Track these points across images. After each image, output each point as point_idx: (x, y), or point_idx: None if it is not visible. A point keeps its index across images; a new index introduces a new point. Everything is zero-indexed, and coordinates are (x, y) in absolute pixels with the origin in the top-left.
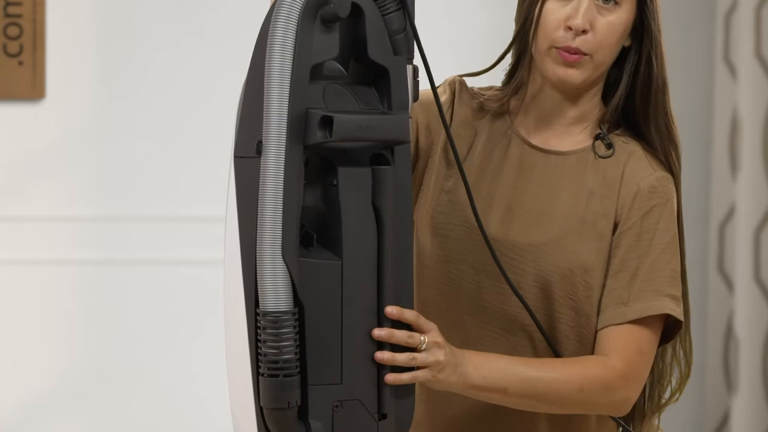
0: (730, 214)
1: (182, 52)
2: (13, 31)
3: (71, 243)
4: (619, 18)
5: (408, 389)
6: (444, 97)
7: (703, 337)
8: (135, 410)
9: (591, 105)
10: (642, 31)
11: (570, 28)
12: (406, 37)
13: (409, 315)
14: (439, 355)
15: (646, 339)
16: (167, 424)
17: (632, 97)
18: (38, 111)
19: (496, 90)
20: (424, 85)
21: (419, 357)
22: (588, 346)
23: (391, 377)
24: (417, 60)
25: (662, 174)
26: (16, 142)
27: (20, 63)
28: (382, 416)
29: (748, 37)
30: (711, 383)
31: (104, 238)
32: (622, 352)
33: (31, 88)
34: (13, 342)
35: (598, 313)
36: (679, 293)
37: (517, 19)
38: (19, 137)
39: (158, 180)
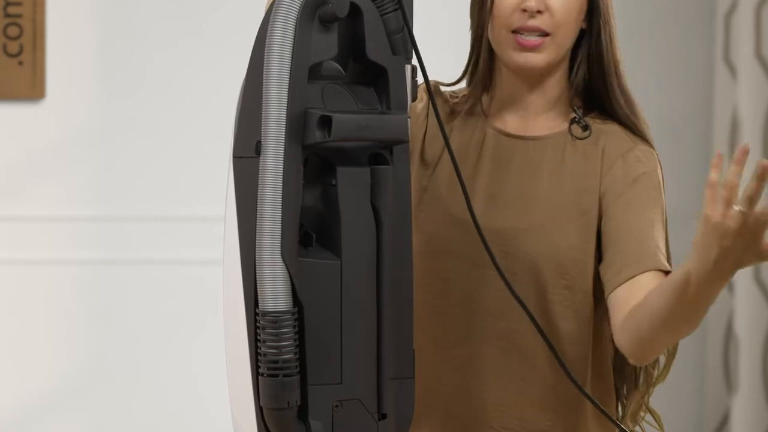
0: None
1: (182, 52)
2: (13, 31)
3: (71, 243)
4: None
5: (408, 389)
6: (421, 105)
7: (703, 337)
8: (135, 410)
9: (559, 89)
10: (593, 11)
11: (524, 11)
12: (404, 37)
13: None
14: None
15: None
16: (167, 424)
17: (591, 78)
18: (38, 111)
19: (465, 91)
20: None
21: None
22: (586, 323)
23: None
24: (415, 60)
25: (645, 147)
26: (16, 142)
27: (20, 63)
28: (382, 416)
29: (748, 37)
30: (711, 383)
31: (104, 238)
32: None
33: (31, 88)
34: (13, 342)
35: (606, 277)
36: (668, 256)
37: (471, 25)
38: (19, 137)
39: (158, 180)
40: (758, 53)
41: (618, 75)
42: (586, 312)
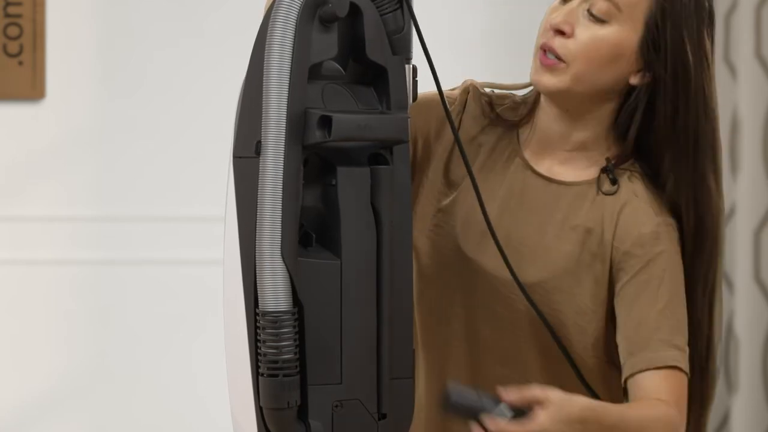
0: (730, 214)
1: (182, 52)
2: (13, 31)
3: (71, 243)
4: (608, 34)
5: (408, 389)
6: (451, 106)
7: None
8: (135, 410)
9: (595, 134)
10: (656, 63)
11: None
12: (404, 36)
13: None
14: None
15: (684, 385)
16: (167, 424)
17: (653, 140)
18: (38, 111)
19: (512, 102)
20: (423, 85)
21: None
22: (587, 382)
23: None
24: (416, 60)
25: (664, 219)
26: (16, 142)
27: (20, 63)
28: (382, 416)
29: (748, 37)
30: None
31: (104, 238)
32: (672, 395)
33: (31, 88)
34: (13, 342)
35: (618, 360)
36: (683, 343)
37: None
38: (19, 137)
39: (158, 180)
40: (758, 53)
41: (698, 155)
42: (588, 374)
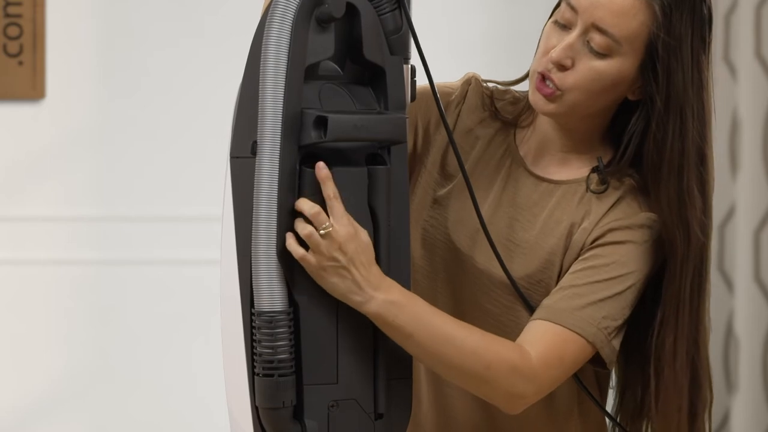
0: (730, 214)
1: (182, 52)
2: (13, 31)
3: (71, 243)
4: (609, 67)
5: (405, 389)
6: (452, 97)
7: None
8: (135, 410)
9: (591, 140)
10: (654, 90)
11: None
12: (403, 36)
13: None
14: (332, 252)
15: (573, 353)
16: (167, 424)
17: (644, 155)
18: (38, 111)
19: (512, 98)
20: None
21: (313, 237)
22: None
23: (290, 239)
24: (415, 60)
25: (647, 215)
26: (16, 142)
27: (20, 63)
28: (378, 416)
29: (748, 37)
30: None
31: (104, 238)
32: (544, 349)
33: (31, 88)
34: (13, 342)
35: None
36: (602, 321)
37: None
38: (19, 137)
39: (158, 180)
40: (758, 53)
41: (683, 173)
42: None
